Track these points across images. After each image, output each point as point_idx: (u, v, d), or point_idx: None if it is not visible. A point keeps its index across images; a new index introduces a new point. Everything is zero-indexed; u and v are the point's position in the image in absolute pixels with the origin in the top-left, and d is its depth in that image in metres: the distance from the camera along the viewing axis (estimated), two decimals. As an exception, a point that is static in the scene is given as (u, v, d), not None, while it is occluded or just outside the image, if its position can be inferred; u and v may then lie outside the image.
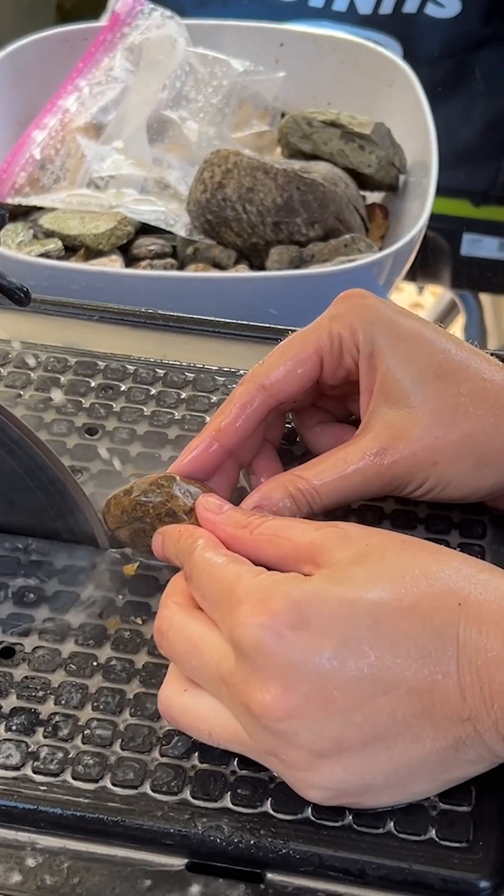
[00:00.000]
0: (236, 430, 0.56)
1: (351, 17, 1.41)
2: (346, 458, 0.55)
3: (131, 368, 0.66)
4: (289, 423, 0.62)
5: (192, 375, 0.66)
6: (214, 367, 0.67)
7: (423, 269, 1.24)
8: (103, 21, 1.31)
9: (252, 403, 0.57)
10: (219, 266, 1.01)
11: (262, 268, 1.00)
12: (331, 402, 0.61)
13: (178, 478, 0.55)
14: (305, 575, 0.47)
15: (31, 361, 0.66)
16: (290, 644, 0.45)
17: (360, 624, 0.45)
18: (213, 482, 0.57)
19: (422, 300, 1.29)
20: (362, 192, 1.06)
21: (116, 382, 0.66)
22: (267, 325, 0.71)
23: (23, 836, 0.48)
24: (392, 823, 0.48)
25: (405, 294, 1.26)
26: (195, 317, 0.71)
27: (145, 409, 0.64)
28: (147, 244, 1.02)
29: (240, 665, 0.46)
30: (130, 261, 1.01)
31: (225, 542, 0.51)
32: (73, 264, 0.94)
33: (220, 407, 0.58)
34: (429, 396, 0.55)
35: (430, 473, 0.55)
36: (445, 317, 1.24)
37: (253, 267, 1.01)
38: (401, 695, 0.45)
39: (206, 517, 0.53)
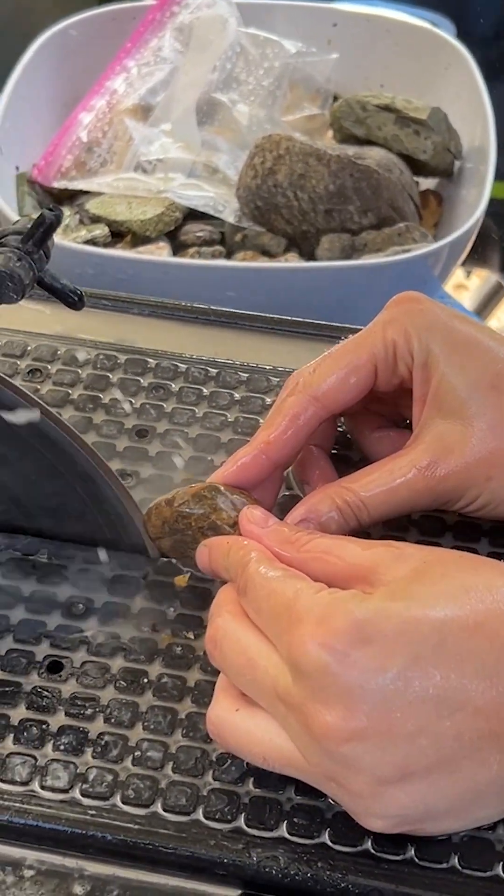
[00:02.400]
0: (285, 442, 0.54)
1: (404, -4, 1.37)
2: (395, 470, 0.53)
3: (183, 367, 0.64)
4: (340, 426, 0.60)
5: (246, 375, 0.64)
6: (268, 367, 0.65)
7: (471, 252, 1.21)
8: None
9: (303, 415, 0.54)
10: (268, 254, 0.98)
11: (311, 255, 0.98)
12: (385, 407, 0.59)
13: (222, 488, 0.53)
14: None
15: (81, 358, 0.64)
16: (352, 664, 0.43)
17: (426, 643, 0.43)
18: (257, 493, 0.55)
19: (467, 282, 1.26)
20: (416, 179, 1.03)
21: (167, 382, 0.63)
22: (322, 323, 0.68)
23: (70, 862, 0.46)
24: (456, 858, 0.46)
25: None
26: (248, 312, 0.68)
27: (197, 411, 0.62)
28: (195, 230, 1.00)
29: (298, 685, 0.44)
30: (178, 247, 0.99)
31: None
32: (121, 252, 0.92)
33: (269, 415, 0.55)
34: (484, 407, 0.53)
35: (484, 489, 0.53)
36: (490, 300, 1.21)
37: (303, 255, 0.98)
38: (467, 716, 0.43)
39: (250, 530, 0.51)
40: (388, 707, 0.43)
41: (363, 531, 0.53)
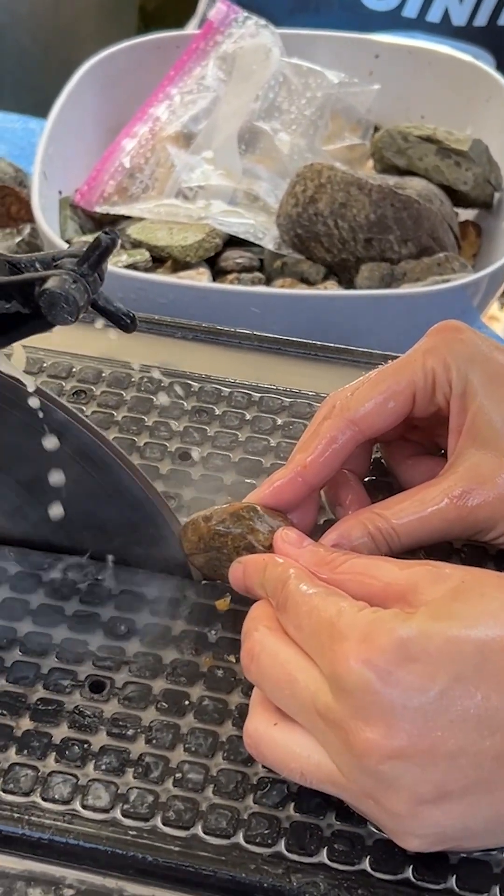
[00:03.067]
0: (322, 465, 0.54)
1: (444, 29, 1.38)
2: (427, 498, 0.53)
3: (226, 391, 0.65)
4: (375, 452, 0.60)
5: (289, 401, 0.64)
6: (311, 392, 0.65)
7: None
8: (191, 27, 1.30)
9: (340, 438, 0.55)
10: (307, 281, 0.99)
11: (350, 284, 0.98)
12: (420, 434, 0.59)
13: (259, 509, 0.53)
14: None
15: (125, 381, 0.64)
16: (395, 682, 0.43)
17: (468, 662, 0.43)
18: (295, 515, 0.55)
19: (500, 314, 1.26)
20: (456, 209, 1.03)
21: (211, 406, 0.64)
22: (365, 350, 0.68)
23: (110, 883, 0.46)
24: (497, 889, 0.45)
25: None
26: (291, 339, 0.69)
27: (240, 435, 0.62)
28: (235, 257, 1.00)
29: (340, 702, 0.44)
30: (217, 273, 0.99)
31: None
32: (162, 277, 0.93)
33: (304, 437, 0.56)
34: None
35: None
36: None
37: (342, 283, 0.99)
38: None
39: (285, 551, 0.51)
40: (430, 726, 0.43)
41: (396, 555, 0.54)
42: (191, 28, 1.31)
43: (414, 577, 0.47)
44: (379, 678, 0.43)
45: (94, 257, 0.45)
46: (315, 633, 0.46)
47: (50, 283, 0.45)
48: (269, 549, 0.52)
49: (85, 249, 0.46)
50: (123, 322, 0.47)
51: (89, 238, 1.01)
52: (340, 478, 0.57)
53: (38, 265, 0.47)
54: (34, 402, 0.50)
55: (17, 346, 0.51)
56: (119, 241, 0.45)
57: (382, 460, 0.60)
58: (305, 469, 0.54)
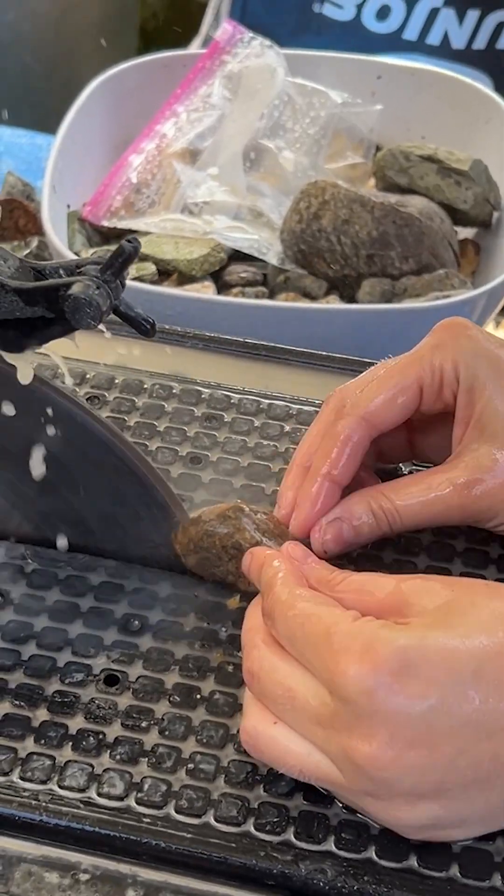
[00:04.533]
0: (346, 465, 0.56)
1: (444, 52, 1.41)
2: (433, 484, 0.55)
3: (235, 398, 0.67)
4: None
5: (296, 408, 0.66)
6: (318, 401, 0.67)
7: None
8: (195, 46, 1.32)
9: (355, 437, 0.56)
10: (309, 296, 1.01)
11: (352, 299, 1.00)
12: (392, 443, 0.60)
13: (246, 508, 0.55)
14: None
15: (137, 388, 0.66)
16: (396, 691, 0.44)
17: (465, 669, 0.45)
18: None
19: (496, 332, 1.28)
20: (455, 227, 1.05)
21: (220, 412, 0.66)
22: (370, 361, 0.70)
23: (124, 868, 0.48)
24: (499, 877, 0.47)
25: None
26: (298, 349, 0.71)
27: (248, 441, 0.64)
28: (239, 271, 1.02)
29: (340, 711, 0.45)
30: (222, 287, 1.01)
31: None
32: (170, 290, 0.95)
33: (312, 433, 0.57)
34: None
35: None
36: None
37: (343, 298, 1.01)
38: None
39: None
40: (430, 732, 0.44)
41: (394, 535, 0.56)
42: (195, 48, 1.33)
43: (407, 590, 0.48)
44: (380, 688, 0.44)
45: (118, 264, 0.47)
46: (311, 645, 0.47)
47: (75, 289, 0.47)
48: (257, 546, 0.54)
49: (108, 257, 0.47)
50: (144, 327, 0.49)
51: (97, 251, 1.03)
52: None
53: (62, 272, 0.49)
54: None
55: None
56: (140, 249, 0.47)
57: None
58: (335, 475, 0.56)
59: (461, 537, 0.59)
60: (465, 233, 1.09)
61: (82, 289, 0.47)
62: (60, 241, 0.96)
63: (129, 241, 0.47)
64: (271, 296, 1.01)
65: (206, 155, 1.08)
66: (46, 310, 0.48)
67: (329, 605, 0.49)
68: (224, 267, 1.02)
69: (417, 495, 0.55)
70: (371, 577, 0.50)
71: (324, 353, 0.70)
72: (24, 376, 0.50)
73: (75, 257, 0.95)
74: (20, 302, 0.48)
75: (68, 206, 1.05)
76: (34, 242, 1.08)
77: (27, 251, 1.08)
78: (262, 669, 0.49)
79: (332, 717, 0.46)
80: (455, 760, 0.45)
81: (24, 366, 0.50)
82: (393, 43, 1.39)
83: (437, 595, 0.47)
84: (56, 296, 0.48)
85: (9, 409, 0.52)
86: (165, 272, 1.01)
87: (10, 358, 0.50)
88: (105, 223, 1.05)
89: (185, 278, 1.00)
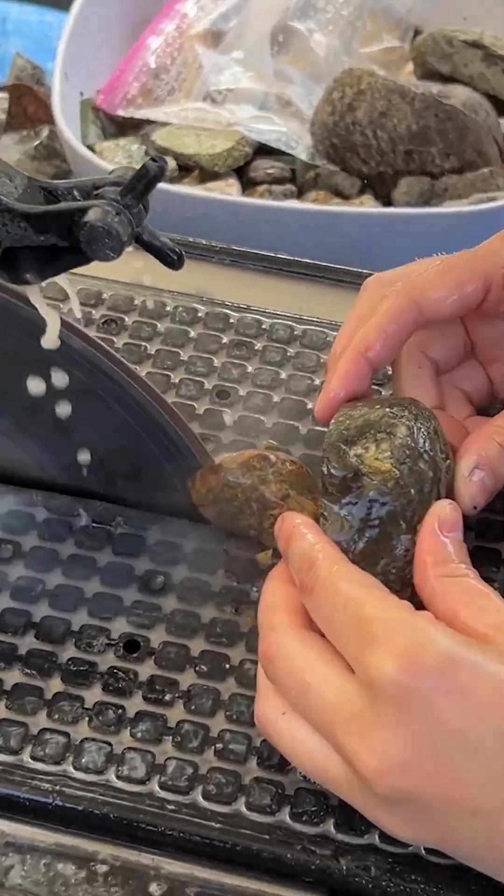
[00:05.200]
0: (384, 348, 0.50)
1: None
2: None
3: (267, 323, 0.60)
4: None
5: (334, 335, 0.60)
6: (357, 326, 0.60)
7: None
8: None
9: (401, 319, 0.50)
10: (341, 195, 0.93)
11: (387, 198, 0.93)
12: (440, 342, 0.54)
13: (272, 457, 0.49)
14: None
15: (159, 310, 0.60)
16: (435, 697, 0.39)
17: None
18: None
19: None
20: (501, 120, 0.97)
21: (250, 340, 0.60)
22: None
23: (146, 859, 0.44)
24: None
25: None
26: (336, 266, 0.64)
27: (282, 373, 0.58)
28: (265, 167, 0.95)
29: (361, 712, 0.40)
30: (246, 184, 0.94)
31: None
32: (190, 190, 0.88)
33: (356, 312, 0.51)
34: None
35: None
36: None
37: (378, 197, 0.93)
38: None
39: (429, 537, 0.45)
40: (460, 751, 0.39)
41: None
42: None
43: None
44: (419, 690, 0.39)
45: (140, 187, 0.41)
46: (352, 630, 0.41)
47: (91, 216, 0.41)
48: (285, 499, 0.48)
49: (130, 178, 0.41)
50: (170, 259, 0.43)
51: (111, 144, 0.96)
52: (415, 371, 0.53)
53: (76, 193, 0.42)
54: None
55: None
56: (166, 168, 0.41)
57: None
58: (370, 351, 0.49)
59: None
60: (510, 126, 1.01)
61: (100, 215, 0.41)
62: (72, 133, 0.89)
63: (154, 160, 0.41)
64: (300, 194, 0.94)
65: (231, 37, 1.00)
66: (59, 238, 0.42)
67: (378, 588, 0.43)
68: (249, 162, 0.95)
69: None
70: (488, 593, 0.43)
71: (367, 270, 0.64)
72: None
73: (87, 151, 0.88)
74: (29, 228, 0.42)
75: (81, 94, 0.97)
76: (45, 132, 1.00)
77: (37, 141, 1.00)
78: (279, 655, 0.43)
79: (348, 719, 0.40)
80: (483, 785, 0.39)
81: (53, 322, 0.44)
82: None
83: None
84: (70, 222, 0.41)
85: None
86: (186, 167, 0.94)
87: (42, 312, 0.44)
88: (121, 112, 0.97)
89: (207, 175, 0.93)
